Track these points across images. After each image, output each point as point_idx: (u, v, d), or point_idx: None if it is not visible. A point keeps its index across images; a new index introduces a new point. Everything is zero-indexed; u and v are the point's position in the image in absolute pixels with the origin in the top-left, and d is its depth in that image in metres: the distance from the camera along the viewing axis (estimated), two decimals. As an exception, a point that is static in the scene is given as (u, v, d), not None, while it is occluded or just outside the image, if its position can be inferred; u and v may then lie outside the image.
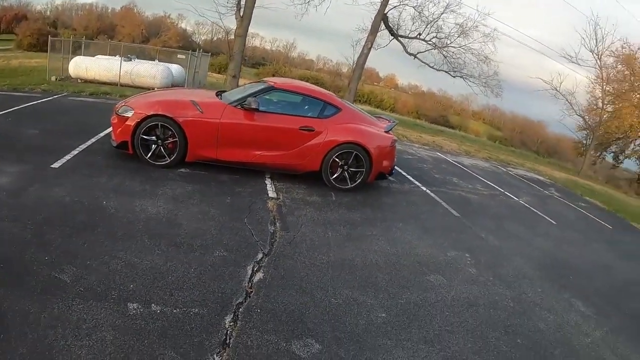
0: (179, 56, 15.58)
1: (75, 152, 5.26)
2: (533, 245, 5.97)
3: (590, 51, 22.83)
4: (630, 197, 16.94)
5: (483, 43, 16.31)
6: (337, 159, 5.56)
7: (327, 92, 6.49)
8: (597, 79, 23.33)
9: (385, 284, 3.63)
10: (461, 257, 4.69)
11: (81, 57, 13.34)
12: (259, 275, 3.25)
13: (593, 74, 23.56)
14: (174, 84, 13.81)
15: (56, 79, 12.36)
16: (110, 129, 5.78)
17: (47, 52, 13.79)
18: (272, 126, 5.38)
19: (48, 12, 42.81)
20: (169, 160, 5.24)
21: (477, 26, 16.27)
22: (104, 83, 12.37)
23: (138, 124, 5.07)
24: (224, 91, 6.57)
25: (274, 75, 31.17)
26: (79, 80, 12.55)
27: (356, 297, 3.28)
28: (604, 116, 22.92)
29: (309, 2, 15.60)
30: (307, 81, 31.98)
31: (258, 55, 38.72)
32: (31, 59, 18.82)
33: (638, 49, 22.01)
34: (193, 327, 2.56)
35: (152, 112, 5.09)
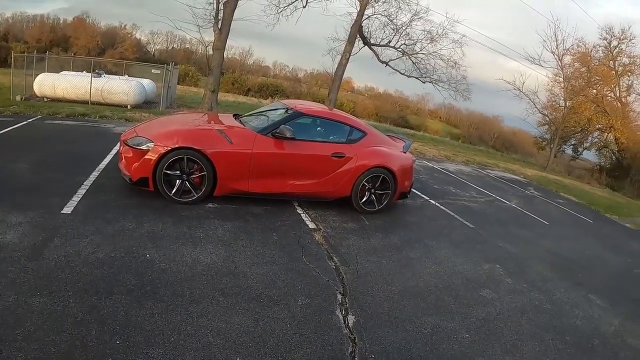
0: (153, 71, 15.31)
1: (82, 191, 4.91)
2: (541, 247, 6.71)
3: (552, 52, 25.04)
4: (594, 187, 18.71)
5: (452, 49, 17.35)
6: (365, 183, 5.88)
7: (351, 116, 6.78)
8: (556, 77, 25.66)
9: (452, 305, 4.07)
10: (494, 269, 5.26)
11: (46, 74, 12.78)
12: (352, 319, 3.45)
13: (552, 73, 25.79)
14: (147, 100, 13.61)
15: (21, 98, 11.81)
16: (114, 160, 5.57)
17: (-1, 67, 13.16)
18: (306, 154, 5.50)
19: (-3, 25, 40.49)
20: (196, 196, 5.07)
21: (446, 33, 17.28)
22: (73, 101, 11.93)
23: (160, 158, 4.83)
24: (239, 114, 6.60)
25: (233, 85, 31.12)
26: (45, 99, 12.04)
27: (438, 323, 3.68)
28: (564, 112, 24.98)
29: (280, 12, 15.92)
30: (267, 89, 32.26)
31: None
32: (-17, 75, 17.58)
33: (593, 47, 24.40)
34: None
35: (177, 145, 4.86)
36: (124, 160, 5.10)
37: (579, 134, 27.01)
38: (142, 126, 5.59)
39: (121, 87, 12.53)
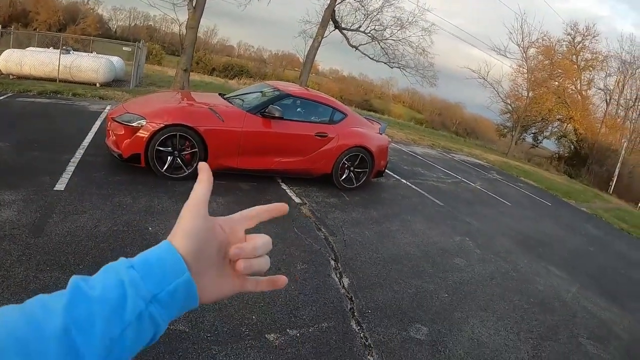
0: (124, 48, 15.01)
1: (70, 168, 4.97)
2: (504, 224, 7.44)
3: (517, 45, 26.44)
4: (552, 174, 20.12)
5: (421, 37, 18.00)
6: (346, 162, 6.35)
7: (333, 98, 7.19)
8: (520, 68, 27.21)
9: (431, 270, 4.63)
10: (464, 241, 5.88)
11: (12, 50, 12.26)
12: (346, 281, 3.91)
13: (516, 64, 27.28)
14: (116, 78, 13.35)
15: None
16: (96, 137, 5.67)
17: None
18: (291, 133, 5.90)
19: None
20: (186, 172, 5.28)
21: (416, 21, 17.89)
22: (40, 79, 11.59)
23: (153, 135, 5.00)
24: (224, 94, 6.86)
25: (198, 64, 30.56)
26: (11, 77, 11.61)
27: (420, 285, 4.22)
28: (526, 102, 26.49)
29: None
30: (231, 69, 31.89)
31: (177, 42, 37.79)
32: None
33: (557, 41, 25.94)
34: (335, 339, 3.04)
35: (170, 122, 5.05)
36: (112, 137, 5.19)
37: (540, 123, 28.85)
38: (130, 103, 5.70)
39: (90, 65, 12.25)
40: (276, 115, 5.68)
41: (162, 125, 5.02)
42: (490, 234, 6.58)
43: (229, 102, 6.14)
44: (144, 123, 5.01)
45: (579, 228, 9.53)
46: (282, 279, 0.61)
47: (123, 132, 5.07)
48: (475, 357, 3.32)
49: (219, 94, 6.76)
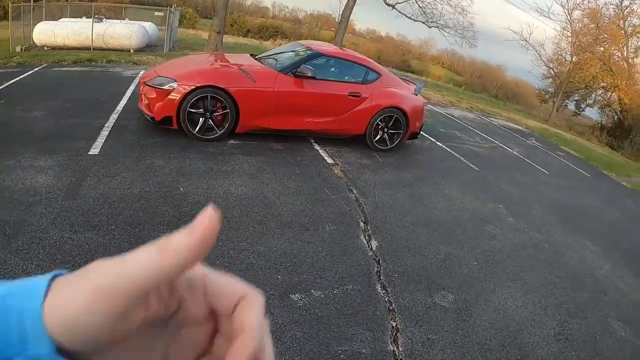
0: (156, 13, 14.91)
1: (104, 133, 4.94)
2: (540, 193, 7.04)
3: (561, 6, 24.29)
4: (594, 144, 18.95)
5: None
6: (379, 122, 6.08)
7: (367, 57, 6.83)
8: (564, 31, 25.04)
9: (462, 237, 4.43)
10: (498, 208, 5.60)
11: (45, 22, 12.29)
12: (374, 243, 3.80)
13: (560, 26, 25.18)
14: (150, 43, 13.22)
15: (22, 49, 11.35)
16: (130, 102, 5.68)
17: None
18: (324, 93, 5.67)
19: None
20: (218, 133, 5.22)
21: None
22: (75, 48, 11.55)
23: (184, 97, 4.91)
24: (256, 54, 6.68)
25: (232, 26, 30.05)
26: (45, 48, 11.65)
27: (450, 251, 4.04)
28: (569, 67, 24.70)
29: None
30: (266, 30, 31.10)
31: (209, 4, 36.54)
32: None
33: (604, 4, 23.71)
34: (358, 301, 2.98)
35: (202, 84, 4.94)
36: (145, 100, 5.17)
37: (583, 90, 26.80)
38: (162, 67, 5.65)
39: (123, 32, 12.20)
40: (308, 75, 5.47)
41: (192, 87, 4.93)
42: (526, 203, 6.23)
43: (261, 62, 5.97)
44: (175, 86, 4.93)
45: (617, 202, 8.90)
46: None
47: (155, 95, 5.02)
48: (499, 328, 3.16)
49: (250, 55, 6.57)
